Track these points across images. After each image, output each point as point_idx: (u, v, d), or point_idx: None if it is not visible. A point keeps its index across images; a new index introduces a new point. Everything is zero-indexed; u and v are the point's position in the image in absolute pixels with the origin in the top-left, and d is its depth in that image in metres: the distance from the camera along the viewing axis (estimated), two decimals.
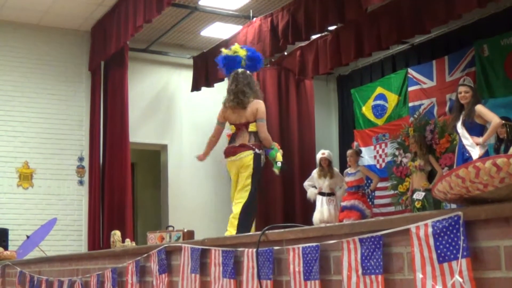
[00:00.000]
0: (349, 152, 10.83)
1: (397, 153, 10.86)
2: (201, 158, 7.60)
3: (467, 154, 7.70)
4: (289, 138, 13.38)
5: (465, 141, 7.78)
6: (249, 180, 6.84)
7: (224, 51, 7.24)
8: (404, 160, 10.65)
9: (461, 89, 8.01)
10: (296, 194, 11.95)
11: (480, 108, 7.87)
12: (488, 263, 2.26)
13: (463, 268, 2.27)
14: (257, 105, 6.91)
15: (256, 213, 6.78)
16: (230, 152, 7.02)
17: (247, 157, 6.83)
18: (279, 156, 6.98)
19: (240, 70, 7.08)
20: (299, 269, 3.05)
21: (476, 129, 7.84)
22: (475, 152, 7.57)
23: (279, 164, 7.00)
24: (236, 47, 7.25)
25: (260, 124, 6.88)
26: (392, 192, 11.18)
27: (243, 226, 6.70)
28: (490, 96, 10.82)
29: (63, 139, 11.86)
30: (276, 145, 7.04)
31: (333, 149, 14.16)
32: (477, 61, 11.15)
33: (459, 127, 7.91)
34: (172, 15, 11.78)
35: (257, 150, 6.83)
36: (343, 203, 10.52)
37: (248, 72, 7.11)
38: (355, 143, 12.88)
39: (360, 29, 10.72)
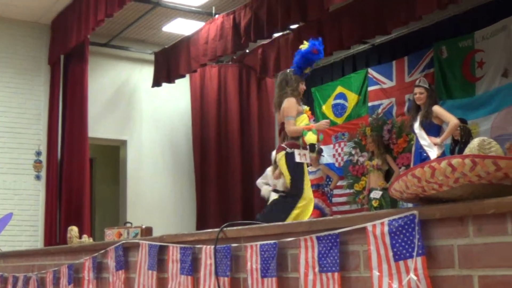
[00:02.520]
0: None
1: (353, 152, 10.94)
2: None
3: (425, 154, 7.80)
4: (249, 136, 13.42)
5: (422, 142, 7.88)
6: (287, 180, 6.82)
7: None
8: (361, 159, 10.74)
9: (416, 90, 8.16)
10: (255, 192, 11.95)
11: (437, 109, 7.99)
12: (442, 261, 2.30)
13: (418, 266, 2.31)
14: (284, 104, 6.92)
15: (292, 209, 6.72)
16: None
17: (281, 158, 6.85)
18: (307, 138, 6.77)
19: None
20: (256, 267, 3.07)
21: (433, 129, 7.96)
22: (433, 153, 7.68)
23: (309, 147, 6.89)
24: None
25: (285, 122, 6.86)
26: (348, 191, 11.27)
27: (267, 217, 6.48)
28: (448, 97, 10.94)
29: (20, 133, 11.69)
30: (306, 128, 6.84)
31: None
32: (435, 62, 11.27)
33: (417, 127, 8.02)
34: (134, 10, 11.70)
35: (288, 149, 6.78)
36: None
37: (287, 71, 7.17)
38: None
39: (322, 28, 10.76)
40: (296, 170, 6.78)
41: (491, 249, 2.16)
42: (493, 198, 2.15)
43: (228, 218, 11.69)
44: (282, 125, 6.94)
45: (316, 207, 10.29)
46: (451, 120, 7.89)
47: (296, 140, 6.81)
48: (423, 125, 7.95)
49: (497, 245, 2.15)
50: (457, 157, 2.18)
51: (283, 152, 6.78)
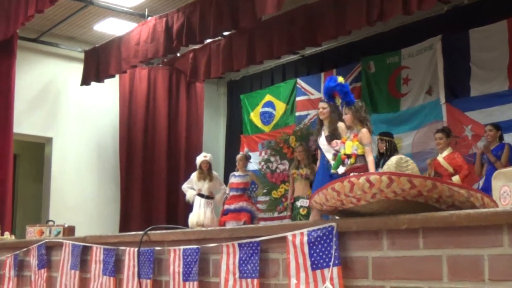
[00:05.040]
0: (238, 156, 10.96)
1: (272, 159, 11.02)
2: None
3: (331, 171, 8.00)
4: (176, 140, 13.41)
5: (329, 156, 8.04)
6: None
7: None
8: (281, 166, 10.83)
9: (320, 105, 8.34)
10: (180, 196, 11.98)
11: (341, 126, 8.18)
12: (357, 271, 2.41)
13: (334, 276, 2.42)
14: None
15: None
16: None
17: None
18: None
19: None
20: (178, 270, 3.13)
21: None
22: (341, 168, 7.86)
23: None
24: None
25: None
26: (264, 198, 11.35)
27: None
28: (373, 111, 11.18)
29: None
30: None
31: (219, 152, 14.30)
32: (363, 77, 11.52)
33: (323, 142, 8.17)
34: (66, 7, 11.57)
35: None
36: (229, 206, 10.57)
37: None
38: (245, 149, 13.04)
39: (253, 36, 10.86)
40: None
41: (402, 262, 2.28)
42: (407, 214, 2.27)
43: (151, 221, 11.67)
44: None
45: (245, 210, 10.37)
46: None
47: None
48: (329, 139, 8.12)
49: (408, 259, 2.27)
50: (375, 174, 2.29)
51: None
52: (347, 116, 7.56)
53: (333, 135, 8.08)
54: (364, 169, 7.33)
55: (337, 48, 12.06)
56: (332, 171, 7.76)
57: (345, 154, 7.44)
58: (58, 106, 12.94)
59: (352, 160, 7.37)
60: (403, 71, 10.96)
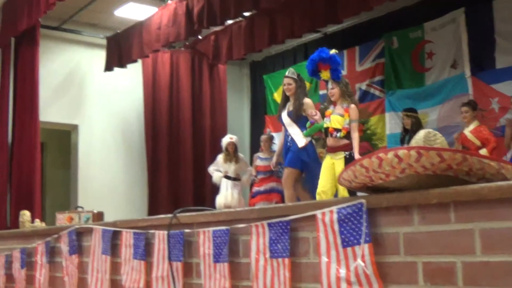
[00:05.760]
0: (263, 137, 10.94)
1: None
2: None
3: (289, 144, 7.99)
4: (201, 122, 13.44)
5: (291, 130, 8.05)
6: None
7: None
8: None
9: (285, 81, 8.32)
10: (206, 178, 12.03)
11: (309, 103, 8.16)
12: (388, 248, 2.40)
13: (365, 253, 2.41)
14: None
15: None
16: None
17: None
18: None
19: None
20: (209, 252, 3.14)
21: (302, 120, 8.12)
22: (301, 141, 7.88)
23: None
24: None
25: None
26: None
27: None
28: (398, 87, 11.12)
29: None
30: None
31: (244, 133, 14.30)
32: (386, 53, 11.43)
33: (285, 117, 8.17)
34: None
35: None
36: (259, 188, 10.53)
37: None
38: (267, 129, 13.02)
39: (274, 16, 10.82)
40: None
41: (434, 237, 2.27)
42: (437, 188, 2.25)
43: (179, 204, 11.70)
44: None
45: (276, 190, 10.35)
46: (320, 121, 8.03)
47: None
48: (290, 115, 8.11)
49: (440, 233, 2.25)
50: (403, 149, 2.26)
51: None
52: (335, 91, 7.63)
53: (298, 111, 8.07)
54: (351, 146, 7.43)
55: (359, 25, 11.97)
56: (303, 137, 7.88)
57: (333, 128, 7.51)
58: (83, 93, 12.99)
59: (342, 133, 7.48)
60: (427, 46, 10.86)
